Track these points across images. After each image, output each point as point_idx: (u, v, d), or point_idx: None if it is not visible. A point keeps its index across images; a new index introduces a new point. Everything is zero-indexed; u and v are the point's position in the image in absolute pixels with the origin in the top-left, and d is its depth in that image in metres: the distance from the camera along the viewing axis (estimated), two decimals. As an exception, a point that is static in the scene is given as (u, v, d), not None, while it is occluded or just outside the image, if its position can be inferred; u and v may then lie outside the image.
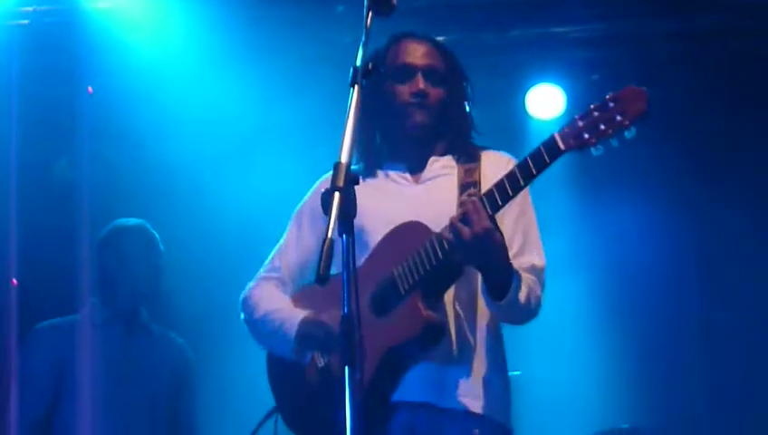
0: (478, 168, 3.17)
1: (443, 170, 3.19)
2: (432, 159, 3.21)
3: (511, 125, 5.74)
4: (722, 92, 5.77)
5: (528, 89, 5.86)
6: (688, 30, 5.53)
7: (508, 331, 3.24)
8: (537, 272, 3.11)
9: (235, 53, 5.44)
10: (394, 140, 3.24)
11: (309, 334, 3.09)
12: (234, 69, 5.49)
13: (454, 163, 3.19)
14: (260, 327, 3.26)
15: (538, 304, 3.11)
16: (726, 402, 5.83)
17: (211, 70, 5.49)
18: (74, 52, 5.30)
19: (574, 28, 5.64)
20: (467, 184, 3.13)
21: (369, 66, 2.68)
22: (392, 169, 3.24)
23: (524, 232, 3.16)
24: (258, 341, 3.29)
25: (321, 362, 3.07)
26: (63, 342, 4.22)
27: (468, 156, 3.20)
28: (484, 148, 3.24)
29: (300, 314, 3.12)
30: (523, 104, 5.87)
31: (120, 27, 5.35)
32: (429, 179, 3.21)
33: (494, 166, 3.12)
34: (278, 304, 3.23)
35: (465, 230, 2.86)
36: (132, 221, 4.40)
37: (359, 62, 2.66)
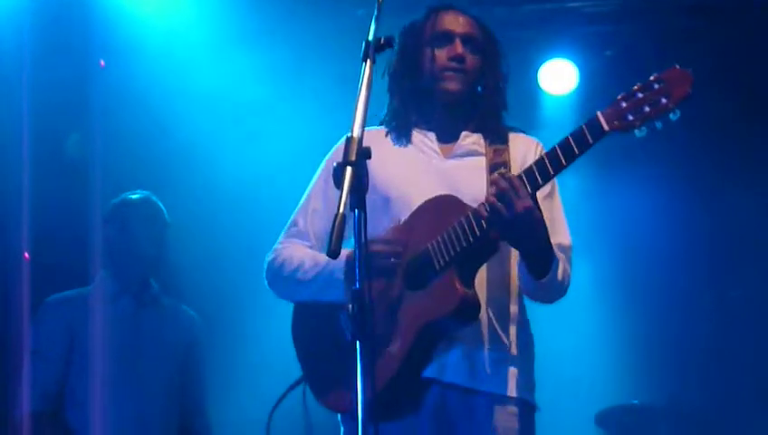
0: (507, 149, 3.17)
1: (473, 147, 3.19)
2: (464, 133, 3.20)
3: (524, 100, 5.69)
4: (740, 71, 5.74)
5: (541, 64, 5.87)
6: (707, 4, 5.46)
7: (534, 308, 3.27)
8: (566, 250, 3.12)
9: (246, 26, 5.44)
10: (427, 106, 3.23)
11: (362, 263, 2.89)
12: (246, 42, 5.49)
13: (483, 142, 3.19)
14: (299, 278, 3.20)
15: (569, 283, 3.13)
16: (737, 380, 5.92)
17: (223, 43, 5.50)
18: (86, 27, 5.30)
19: (587, 3, 5.61)
20: (497, 165, 3.12)
21: (383, 41, 2.67)
22: (423, 137, 3.23)
23: (552, 212, 3.15)
24: (293, 294, 3.24)
25: (379, 286, 3.00)
26: (74, 314, 4.24)
27: (498, 136, 3.19)
28: (512, 129, 3.24)
29: (342, 254, 2.79)
30: (536, 79, 5.87)
31: (131, 0, 5.38)
32: (459, 156, 3.20)
33: (523, 148, 3.14)
34: (317, 256, 3.17)
35: (505, 211, 2.85)
36: (137, 193, 4.42)
37: (371, 37, 2.66)
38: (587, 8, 5.63)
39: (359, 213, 2.50)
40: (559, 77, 5.87)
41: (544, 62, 5.87)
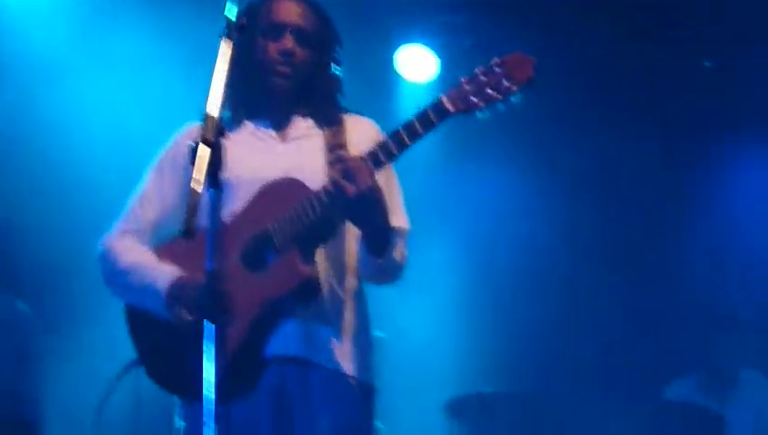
0: (343, 130, 3.24)
1: (308, 131, 3.25)
2: (297, 118, 3.26)
3: (382, 87, 5.82)
4: (594, 59, 5.93)
5: (399, 51, 5.92)
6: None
7: (372, 292, 3.29)
8: (403, 234, 3.18)
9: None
10: (259, 94, 3.27)
11: (180, 294, 3.08)
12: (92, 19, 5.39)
13: (317, 125, 3.25)
14: (126, 282, 3.22)
15: (405, 265, 3.19)
16: (582, 367, 6.01)
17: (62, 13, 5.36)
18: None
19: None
20: (334, 145, 3.18)
21: (244, 22, 2.67)
22: (257, 124, 3.27)
23: (390, 196, 3.17)
24: (121, 295, 3.26)
25: (189, 317, 3.06)
26: None
27: (330, 120, 3.25)
28: (346, 111, 3.30)
29: (167, 270, 3.11)
30: (393, 66, 5.95)
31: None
32: (295, 138, 3.25)
33: (359, 128, 3.21)
34: (142, 257, 3.21)
35: (350, 187, 2.89)
36: None
37: (231, 15, 2.65)
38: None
39: (213, 192, 2.49)
40: (419, 64, 5.91)
41: (400, 47, 5.93)
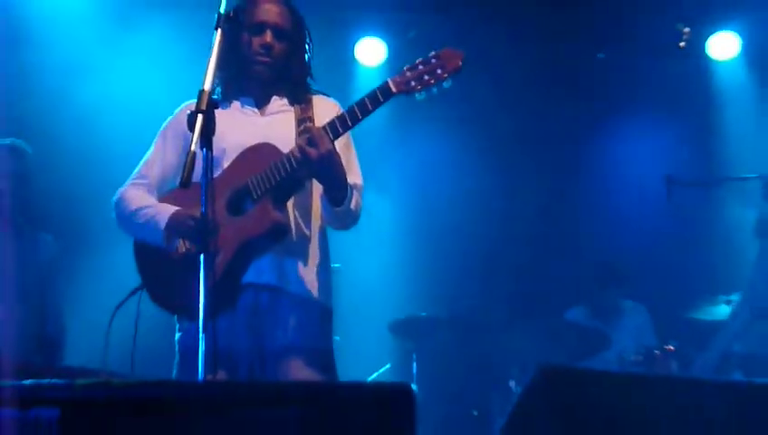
0: (311, 108, 3.27)
1: (282, 108, 3.30)
2: (275, 97, 3.31)
3: (342, 71, 5.89)
4: (514, 55, 6.09)
5: (356, 41, 6.03)
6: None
7: (331, 233, 3.36)
8: (358, 188, 3.25)
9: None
10: (245, 78, 3.32)
11: (177, 225, 3.12)
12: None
13: (290, 103, 3.30)
14: (134, 220, 3.25)
15: (360, 213, 3.25)
16: (505, 294, 6.08)
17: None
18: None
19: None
20: (303, 119, 3.21)
21: (231, 14, 2.79)
22: (243, 102, 3.32)
23: (348, 158, 3.26)
24: (130, 232, 3.30)
25: (184, 248, 3.11)
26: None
27: (301, 99, 3.29)
28: (316, 93, 3.35)
29: (169, 208, 3.17)
30: (352, 54, 6.05)
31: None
32: (272, 114, 3.30)
33: (323, 106, 3.28)
34: (149, 201, 3.27)
35: (313, 151, 2.97)
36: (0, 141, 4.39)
37: (222, 10, 2.78)
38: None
39: (206, 152, 2.62)
40: (372, 53, 6.03)
41: (360, 39, 6.01)
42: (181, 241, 3.11)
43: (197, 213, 2.76)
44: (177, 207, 3.14)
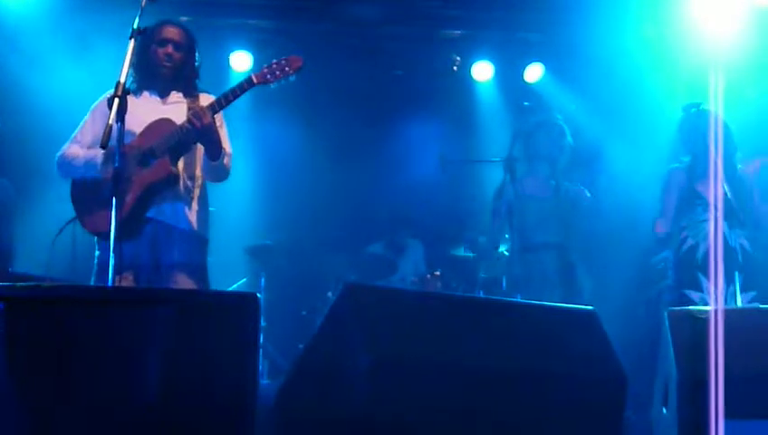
0: (198, 100, 3.53)
1: (178, 99, 3.58)
2: (173, 92, 3.59)
3: (221, 75, 6.01)
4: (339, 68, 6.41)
5: (230, 53, 6.22)
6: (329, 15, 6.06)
7: (210, 185, 3.56)
8: (228, 155, 3.53)
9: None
10: (152, 77, 3.58)
11: (105, 160, 3.34)
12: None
13: (184, 97, 3.58)
14: (76, 163, 3.44)
15: (230, 171, 3.51)
16: (331, 228, 6.41)
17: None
18: None
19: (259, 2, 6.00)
20: (192, 108, 3.44)
21: (142, 30, 3.09)
22: (150, 93, 3.57)
23: (222, 131, 3.51)
24: (72, 173, 3.45)
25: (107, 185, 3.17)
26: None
27: (191, 94, 3.57)
28: (202, 91, 3.61)
29: (99, 152, 3.34)
30: (228, 62, 6.22)
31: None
32: (171, 103, 3.56)
33: (206, 99, 3.51)
34: (87, 152, 3.50)
35: (197, 122, 3.25)
36: None
37: (135, 26, 3.05)
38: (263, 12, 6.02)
39: (120, 124, 2.91)
40: (242, 61, 6.21)
41: (233, 51, 6.15)
42: (105, 180, 3.24)
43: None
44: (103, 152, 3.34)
